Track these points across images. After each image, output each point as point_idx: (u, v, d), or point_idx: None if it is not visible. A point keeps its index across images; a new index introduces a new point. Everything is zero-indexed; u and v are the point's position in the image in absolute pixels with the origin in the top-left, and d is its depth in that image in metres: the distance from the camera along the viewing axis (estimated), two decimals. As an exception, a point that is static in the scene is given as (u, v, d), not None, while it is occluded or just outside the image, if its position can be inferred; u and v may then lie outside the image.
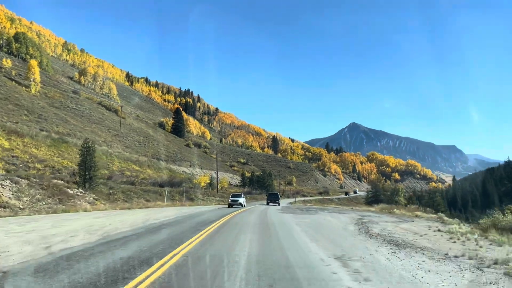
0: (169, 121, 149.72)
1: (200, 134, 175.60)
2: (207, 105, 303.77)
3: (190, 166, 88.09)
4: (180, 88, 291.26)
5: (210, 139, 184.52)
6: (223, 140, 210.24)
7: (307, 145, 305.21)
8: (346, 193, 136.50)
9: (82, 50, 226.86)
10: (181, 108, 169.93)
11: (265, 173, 78.51)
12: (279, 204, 48.16)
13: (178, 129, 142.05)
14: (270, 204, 48.10)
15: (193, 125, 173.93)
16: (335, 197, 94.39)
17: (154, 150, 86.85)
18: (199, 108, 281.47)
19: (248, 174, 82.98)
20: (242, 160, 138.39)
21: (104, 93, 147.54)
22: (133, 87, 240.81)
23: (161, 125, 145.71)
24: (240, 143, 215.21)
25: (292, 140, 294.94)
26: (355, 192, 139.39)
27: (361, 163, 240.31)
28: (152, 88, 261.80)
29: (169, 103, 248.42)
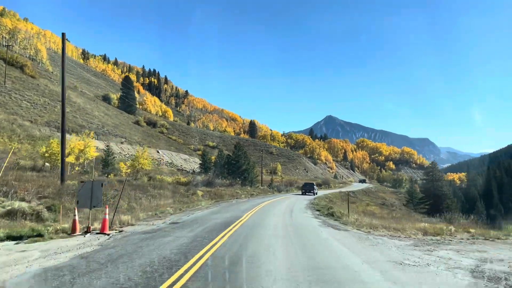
0: (117, 96, 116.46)
1: (161, 114, 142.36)
2: (176, 87, 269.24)
3: (122, 143, 55.82)
4: (143, 67, 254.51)
5: (176, 121, 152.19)
6: (192, 124, 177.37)
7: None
8: (361, 181, 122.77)
9: (25, 19, 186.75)
10: (132, 78, 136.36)
11: (240, 150, 47.02)
12: (314, 194, 47.74)
13: (128, 104, 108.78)
14: (306, 194, 48.45)
15: (151, 102, 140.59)
16: (348, 190, 65.05)
17: (59, 117, 53.99)
18: (166, 90, 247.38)
19: (213, 158, 52.09)
20: (211, 144, 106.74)
21: (29, 56, 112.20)
22: (86, 63, 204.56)
23: (106, 99, 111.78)
24: (212, 128, 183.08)
25: (271, 129, 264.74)
26: (362, 181, 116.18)
27: (351, 151, 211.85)
28: (110, 66, 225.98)
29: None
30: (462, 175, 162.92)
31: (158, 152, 55.48)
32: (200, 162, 53.08)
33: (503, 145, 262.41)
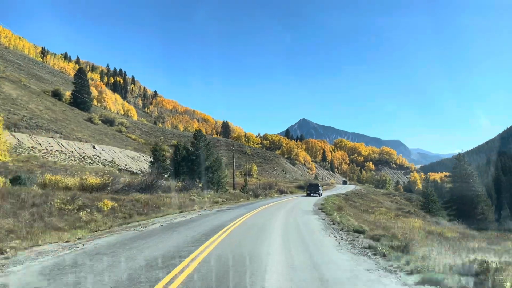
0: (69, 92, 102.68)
1: (123, 113, 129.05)
2: (144, 88, 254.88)
3: (52, 137, 43.48)
4: (108, 65, 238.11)
5: (142, 121, 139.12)
6: (160, 124, 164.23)
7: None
8: (344, 182, 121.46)
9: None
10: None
11: (201, 141, 35.53)
12: (320, 195, 46.03)
13: (82, 101, 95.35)
14: (311, 195, 47.21)
15: (111, 100, 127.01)
16: (341, 192, 55.64)
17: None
18: (133, 90, 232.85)
19: (168, 154, 40.92)
20: (175, 143, 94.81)
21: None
22: (44, 61, 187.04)
23: (56, 94, 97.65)
24: (182, 129, 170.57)
25: (245, 132, 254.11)
26: (345, 183, 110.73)
27: (330, 151, 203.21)
28: (71, 65, 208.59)
29: (92, 81, 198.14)
30: (443, 174, 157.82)
31: (94, 147, 43.55)
32: (151, 160, 41.56)
33: (474, 145, 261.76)
